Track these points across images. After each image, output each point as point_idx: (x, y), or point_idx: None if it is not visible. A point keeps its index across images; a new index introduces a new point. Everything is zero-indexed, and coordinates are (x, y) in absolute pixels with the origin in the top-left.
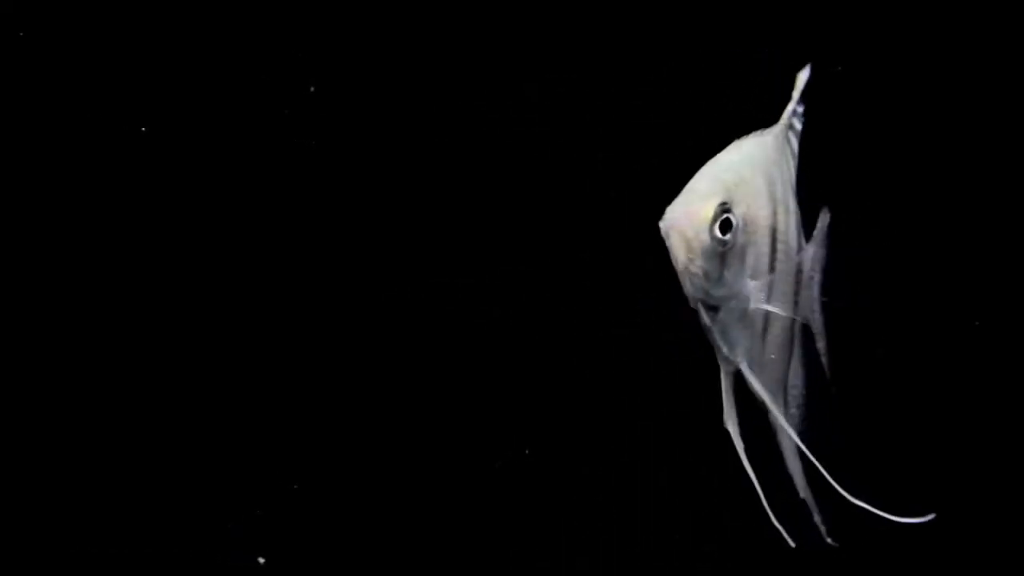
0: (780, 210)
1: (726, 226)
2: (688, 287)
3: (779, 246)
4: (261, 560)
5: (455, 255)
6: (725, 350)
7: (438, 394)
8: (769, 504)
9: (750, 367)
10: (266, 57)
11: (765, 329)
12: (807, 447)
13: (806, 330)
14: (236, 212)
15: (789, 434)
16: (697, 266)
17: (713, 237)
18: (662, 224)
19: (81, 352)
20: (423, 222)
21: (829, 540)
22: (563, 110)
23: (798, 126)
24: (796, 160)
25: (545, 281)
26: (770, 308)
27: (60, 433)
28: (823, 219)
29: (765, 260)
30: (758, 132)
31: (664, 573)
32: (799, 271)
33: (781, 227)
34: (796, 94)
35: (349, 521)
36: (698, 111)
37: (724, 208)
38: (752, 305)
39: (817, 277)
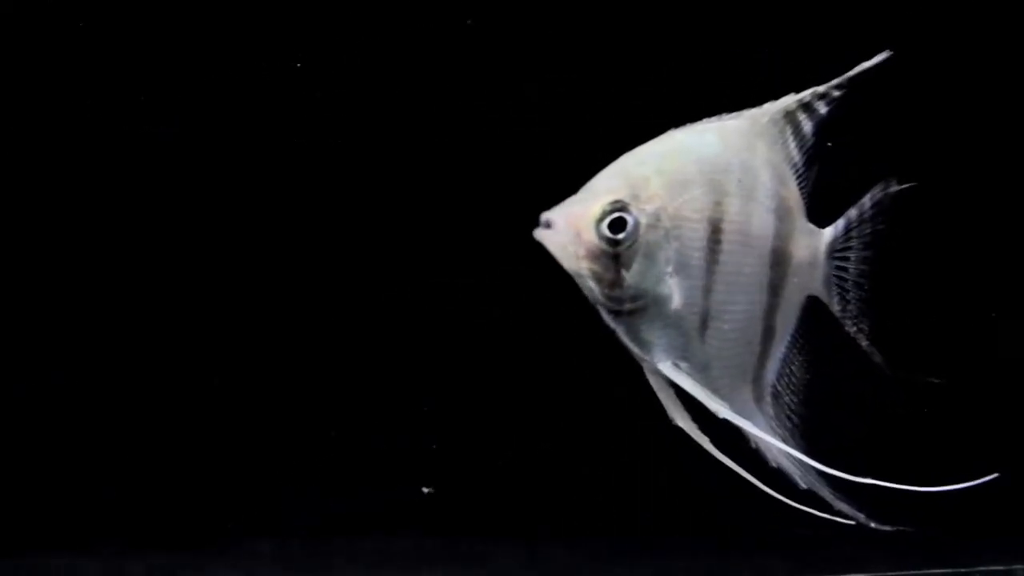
0: (731, 200)
1: (619, 225)
2: (584, 289)
3: (727, 237)
4: (425, 490)
5: (455, 255)
6: (637, 351)
7: (438, 392)
8: (777, 490)
9: (676, 367)
10: (267, 58)
11: (705, 325)
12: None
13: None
14: (238, 212)
15: (750, 430)
16: (585, 269)
17: (602, 237)
18: (536, 232)
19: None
20: (423, 222)
21: (873, 524)
22: (563, 110)
23: (822, 110)
24: (809, 144)
25: (545, 281)
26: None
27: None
28: (875, 193)
29: (698, 255)
30: (719, 117)
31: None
32: (783, 256)
33: (732, 217)
34: (838, 80)
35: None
36: (698, 111)
37: (616, 206)
38: (675, 304)
39: (857, 254)
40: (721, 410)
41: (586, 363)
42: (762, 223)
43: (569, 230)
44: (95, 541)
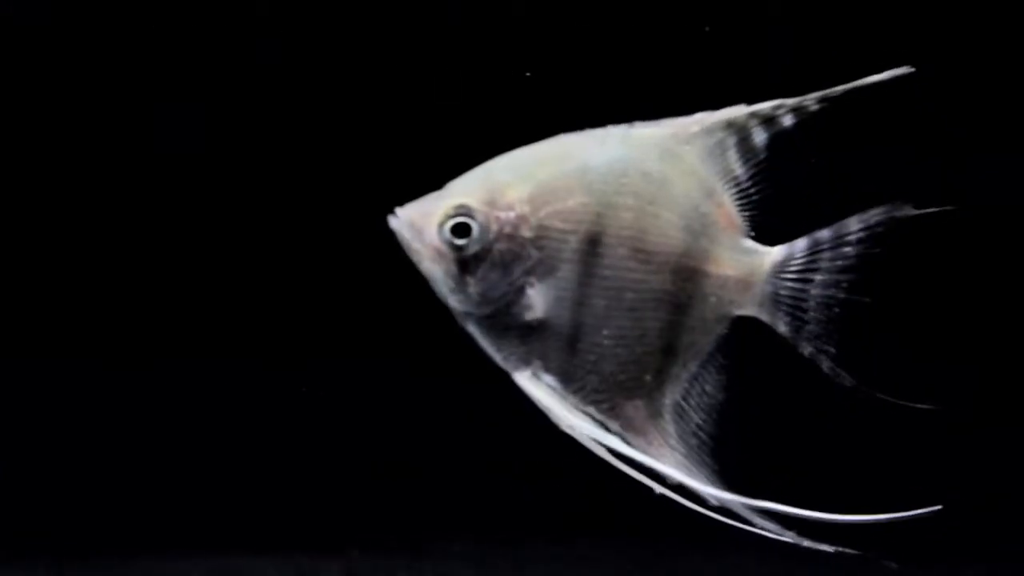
0: (622, 212)
1: (462, 230)
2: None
3: (611, 250)
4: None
5: None
6: (497, 358)
7: (438, 391)
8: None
9: (536, 377)
10: (264, 58)
11: (577, 337)
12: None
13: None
14: (237, 211)
15: (615, 447)
16: (427, 269)
17: (444, 240)
18: (391, 221)
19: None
20: None
21: (807, 543)
22: (563, 110)
23: (787, 122)
24: (759, 157)
25: None
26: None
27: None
28: (868, 215)
29: (568, 266)
30: (631, 124)
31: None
32: (693, 272)
33: (620, 230)
34: (819, 94)
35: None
36: (698, 111)
37: (462, 211)
38: (536, 314)
39: (829, 276)
40: (584, 426)
41: None
42: (664, 237)
43: (413, 228)
44: (288, 544)
